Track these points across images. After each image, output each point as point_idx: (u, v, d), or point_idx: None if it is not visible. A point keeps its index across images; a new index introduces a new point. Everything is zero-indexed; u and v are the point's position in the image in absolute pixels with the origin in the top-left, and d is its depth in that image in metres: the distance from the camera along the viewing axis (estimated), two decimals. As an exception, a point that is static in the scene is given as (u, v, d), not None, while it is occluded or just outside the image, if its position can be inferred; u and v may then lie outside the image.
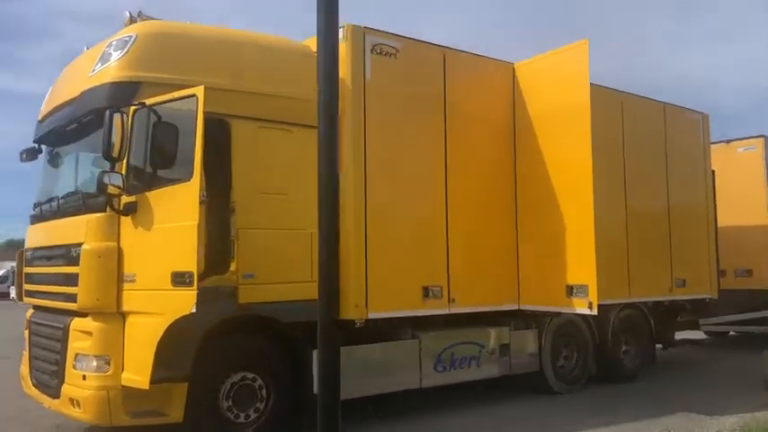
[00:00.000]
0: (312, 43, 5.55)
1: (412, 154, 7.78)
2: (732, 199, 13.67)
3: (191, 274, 5.63)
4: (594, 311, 7.84)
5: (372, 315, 7.22)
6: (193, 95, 5.86)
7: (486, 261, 8.39)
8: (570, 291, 8.07)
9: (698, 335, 14.51)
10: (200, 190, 5.77)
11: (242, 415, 6.52)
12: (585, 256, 7.86)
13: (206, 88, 5.85)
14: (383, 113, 7.52)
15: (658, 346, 11.61)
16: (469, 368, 8.14)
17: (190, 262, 5.64)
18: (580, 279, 7.96)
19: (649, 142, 10.67)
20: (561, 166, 8.27)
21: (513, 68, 8.86)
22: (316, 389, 6.67)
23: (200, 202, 5.76)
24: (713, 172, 11.97)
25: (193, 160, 5.77)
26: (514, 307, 8.64)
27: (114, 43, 6.53)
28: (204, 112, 5.81)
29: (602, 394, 9.33)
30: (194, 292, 5.61)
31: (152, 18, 6.86)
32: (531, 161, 8.60)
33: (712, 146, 14.04)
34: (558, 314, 8.96)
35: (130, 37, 6.44)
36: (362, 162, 7.26)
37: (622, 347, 10.35)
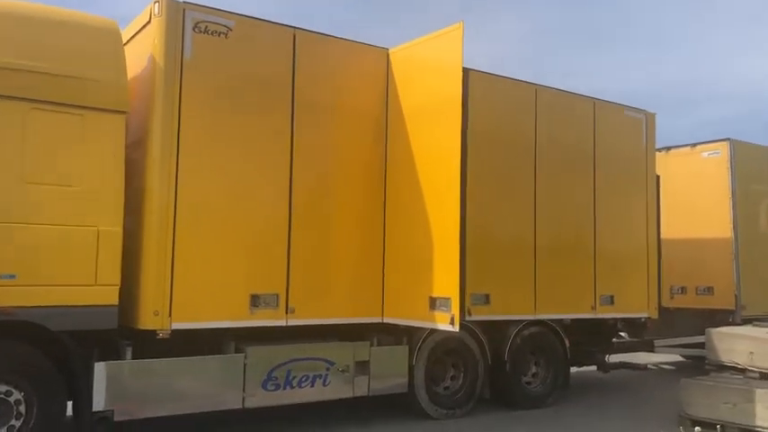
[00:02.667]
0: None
1: (245, 145, 6.93)
2: (696, 209, 12.46)
3: None
4: (456, 328, 6.87)
5: (178, 325, 6.40)
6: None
7: (341, 267, 7.49)
8: (433, 303, 7.13)
9: (675, 357, 13.27)
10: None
11: (-11, 434, 5.76)
12: (449, 265, 6.91)
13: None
14: (207, 99, 6.72)
15: (592, 368, 10.54)
16: (312, 387, 7.23)
17: None
18: (443, 291, 7.01)
19: (572, 141, 9.59)
20: (431, 165, 7.33)
21: (388, 54, 7.94)
22: (96, 405, 5.99)
23: None
24: (658, 177, 10.77)
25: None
26: (377, 320, 7.71)
27: None
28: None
29: (488, 421, 8.30)
30: None
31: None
32: (402, 158, 7.68)
33: (676, 149, 12.99)
34: (435, 329, 8.00)
35: None
36: (174, 152, 6.47)
37: (530, 369, 9.29)
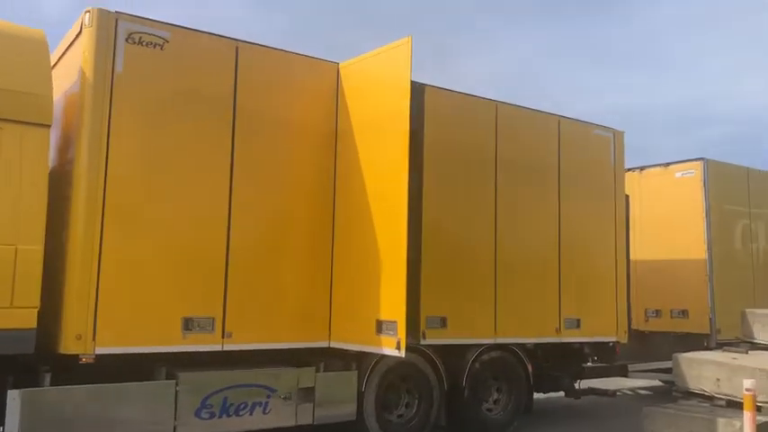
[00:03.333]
0: None
1: (181, 161, 6.64)
2: (671, 230, 12.19)
3: None
4: (402, 353, 6.55)
5: (102, 350, 6.07)
6: None
7: (285, 289, 7.17)
8: (380, 327, 6.81)
9: (652, 382, 12.87)
10: None
11: None
12: (396, 286, 6.61)
13: None
14: (141, 113, 6.43)
15: (560, 394, 10.19)
16: (251, 416, 6.87)
17: None
18: (389, 314, 6.69)
19: (535, 159, 9.34)
20: (379, 181, 7.05)
21: (338, 69, 7.69)
22: (9, 436, 5.63)
23: None
24: (627, 197, 10.51)
25: None
26: (324, 344, 7.38)
27: None
28: None
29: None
30: None
31: None
32: (351, 174, 7.40)
33: (650, 169, 12.76)
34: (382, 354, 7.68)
35: None
36: (102, 168, 6.17)
37: (492, 395, 8.93)
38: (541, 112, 9.53)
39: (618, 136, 10.35)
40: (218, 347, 6.68)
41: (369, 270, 6.95)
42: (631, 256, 10.85)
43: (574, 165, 9.70)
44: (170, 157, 6.58)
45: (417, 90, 8.18)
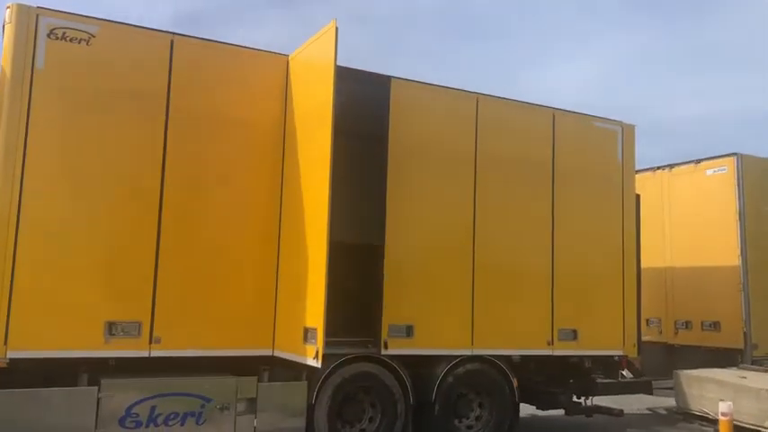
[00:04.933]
0: None
1: (106, 160, 6.41)
2: (701, 233, 11.07)
3: None
4: (318, 363, 6.06)
5: (15, 354, 5.90)
6: None
7: (223, 293, 6.80)
8: (306, 335, 6.36)
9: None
10: None
11: None
12: (317, 291, 6.14)
13: None
14: (62, 111, 6.26)
15: (559, 412, 9.35)
16: (183, 426, 6.52)
17: None
18: (312, 321, 6.23)
19: (523, 156, 8.61)
20: (311, 177, 6.62)
21: (288, 60, 7.29)
22: None
23: None
24: (638, 196, 9.56)
25: None
26: (268, 353, 6.97)
27: None
28: None
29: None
30: None
31: None
32: (294, 170, 6.98)
33: (680, 167, 11.71)
34: (344, 362, 7.24)
35: None
36: (19, 165, 6.02)
37: (473, 411, 8.25)
38: (532, 104, 8.80)
39: (627, 130, 9.44)
40: (144, 353, 6.39)
41: (300, 275, 6.51)
42: (660, 263, 9.95)
43: (571, 161, 8.89)
44: (94, 156, 6.36)
45: (381, 82, 7.74)
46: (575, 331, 8.68)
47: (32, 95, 6.11)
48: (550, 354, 8.55)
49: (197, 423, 6.61)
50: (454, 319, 7.91)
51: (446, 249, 7.98)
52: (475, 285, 8.04)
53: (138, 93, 6.58)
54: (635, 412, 10.35)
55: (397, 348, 7.52)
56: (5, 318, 5.87)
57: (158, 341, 6.43)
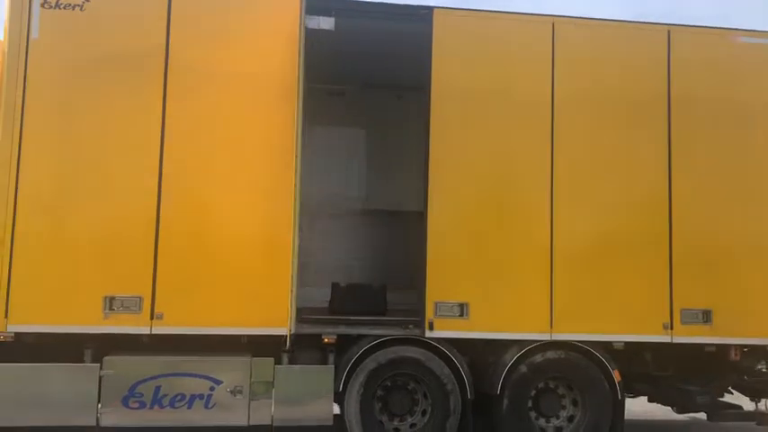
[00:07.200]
0: None
1: (104, 127, 6.09)
2: None
3: None
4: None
5: (16, 328, 5.85)
6: None
7: (234, 266, 6.14)
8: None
9: None
10: None
11: None
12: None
13: None
14: (59, 80, 6.09)
15: (697, 415, 7.30)
16: (190, 409, 5.99)
17: None
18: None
19: (623, 94, 6.79)
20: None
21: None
22: None
23: None
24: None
25: None
26: (283, 332, 6.18)
27: None
28: None
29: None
30: None
31: None
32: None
33: None
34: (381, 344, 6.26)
35: None
36: (17, 139, 5.96)
37: (567, 409, 6.68)
38: (632, 22, 6.87)
39: (790, 43, 7.00)
40: (145, 330, 5.99)
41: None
42: None
43: (698, 93, 6.82)
44: (92, 124, 6.09)
45: (420, 16, 6.53)
46: (708, 312, 6.62)
47: (28, 66, 6.02)
48: (669, 341, 6.60)
49: (206, 407, 6.05)
50: (525, 295, 6.42)
51: (515, 210, 6.52)
52: (554, 252, 6.46)
53: (136, 54, 6.19)
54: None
55: (446, 330, 6.30)
56: (6, 291, 5.83)
57: (160, 317, 5.99)
